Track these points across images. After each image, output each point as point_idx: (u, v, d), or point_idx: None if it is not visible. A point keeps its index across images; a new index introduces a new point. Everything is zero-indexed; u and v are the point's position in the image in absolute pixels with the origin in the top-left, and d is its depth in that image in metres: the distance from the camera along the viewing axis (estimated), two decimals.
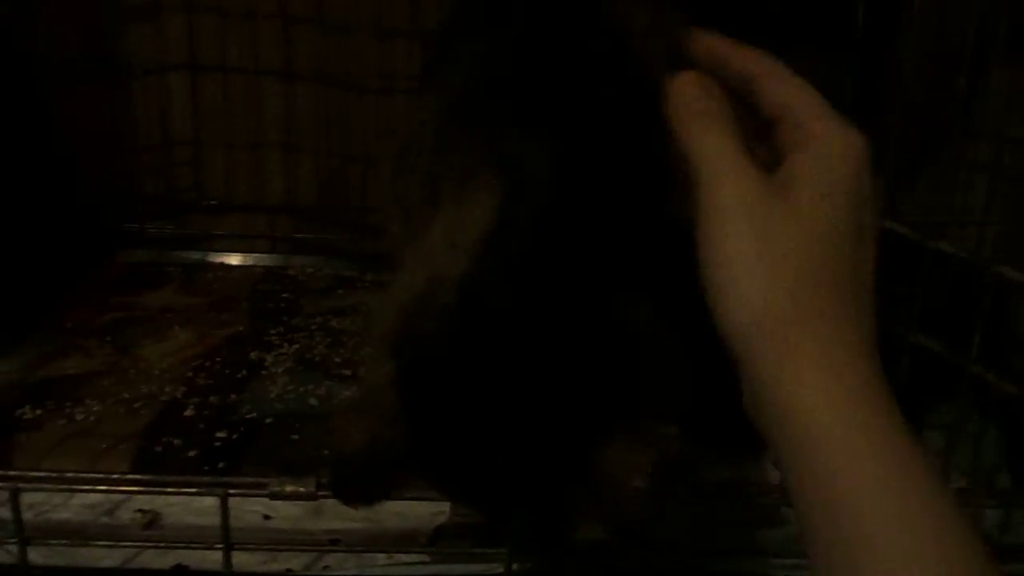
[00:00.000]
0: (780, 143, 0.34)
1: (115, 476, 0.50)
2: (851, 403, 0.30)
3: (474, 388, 0.31)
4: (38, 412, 0.70)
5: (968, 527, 0.29)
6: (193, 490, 0.50)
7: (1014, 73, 0.76)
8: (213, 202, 1.02)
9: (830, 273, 0.31)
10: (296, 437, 0.68)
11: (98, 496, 0.58)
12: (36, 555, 0.51)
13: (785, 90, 0.34)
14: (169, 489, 0.51)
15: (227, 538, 0.49)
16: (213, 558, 0.51)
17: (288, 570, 0.54)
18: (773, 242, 0.31)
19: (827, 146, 0.32)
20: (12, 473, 0.49)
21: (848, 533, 0.29)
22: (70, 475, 0.50)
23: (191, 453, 0.65)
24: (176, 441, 0.67)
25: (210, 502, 0.55)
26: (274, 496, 0.48)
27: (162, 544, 0.54)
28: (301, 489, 0.48)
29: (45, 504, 0.58)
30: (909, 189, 0.58)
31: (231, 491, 0.48)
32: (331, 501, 0.60)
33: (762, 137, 0.35)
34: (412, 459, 0.30)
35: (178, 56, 0.97)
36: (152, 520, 0.57)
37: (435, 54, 0.49)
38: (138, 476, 0.50)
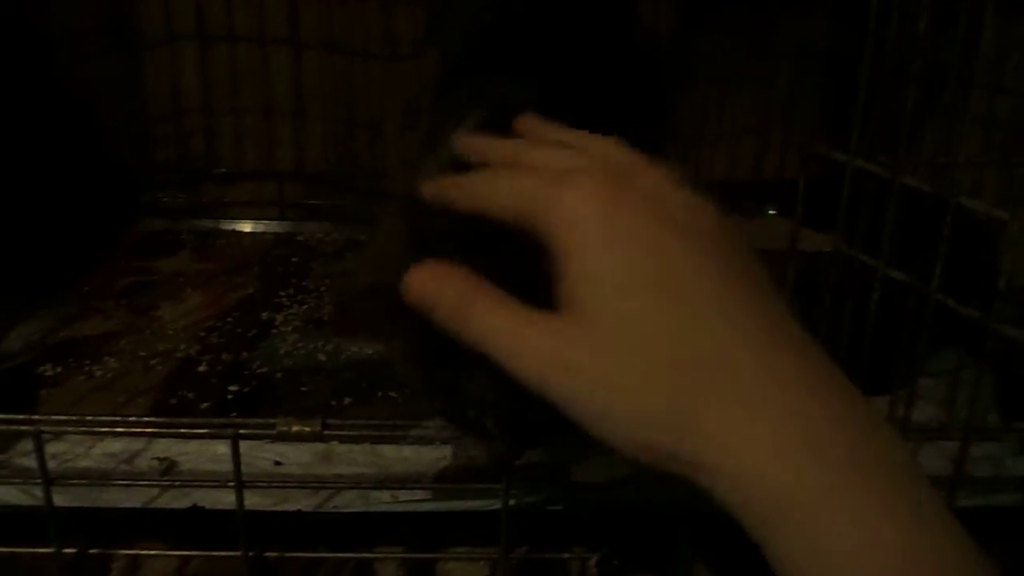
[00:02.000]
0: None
1: (132, 419, 0.52)
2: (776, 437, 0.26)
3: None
4: (59, 369, 0.73)
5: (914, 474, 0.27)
6: (205, 430, 0.52)
7: (1007, 24, 0.76)
8: (224, 171, 1.04)
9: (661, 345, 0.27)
10: (305, 390, 0.71)
11: (118, 445, 0.61)
12: (59, 499, 0.53)
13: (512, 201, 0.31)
14: (182, 430, 0.53)
15: (239, 477, 0.51)
16: (227, 499, 0.54)
17: (299, 510, 0.57)
18: (600, 358, 0.27)
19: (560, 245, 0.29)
20: (34, 417, 0.51)
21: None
22: (89, 418, 0.52)
23: (204, 405, 0.68)
24: (190, 395, 0.70)
25: (223, 450, 0.58)
26: (281, 435, 0.50)
27: (178, 482, 0.56)
28: (307, 428, 0.50)
29: (68, 454, 0.61)
30: (906, 141, 0.59)
31: (241, 431, 0.50)
32: (340, 447, 0.63)
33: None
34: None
35: (187, 26, 0.99)
36: (168, 467, 0.60)
37: (434, 18, 0.54)
38: (153, 419, 0.53)
